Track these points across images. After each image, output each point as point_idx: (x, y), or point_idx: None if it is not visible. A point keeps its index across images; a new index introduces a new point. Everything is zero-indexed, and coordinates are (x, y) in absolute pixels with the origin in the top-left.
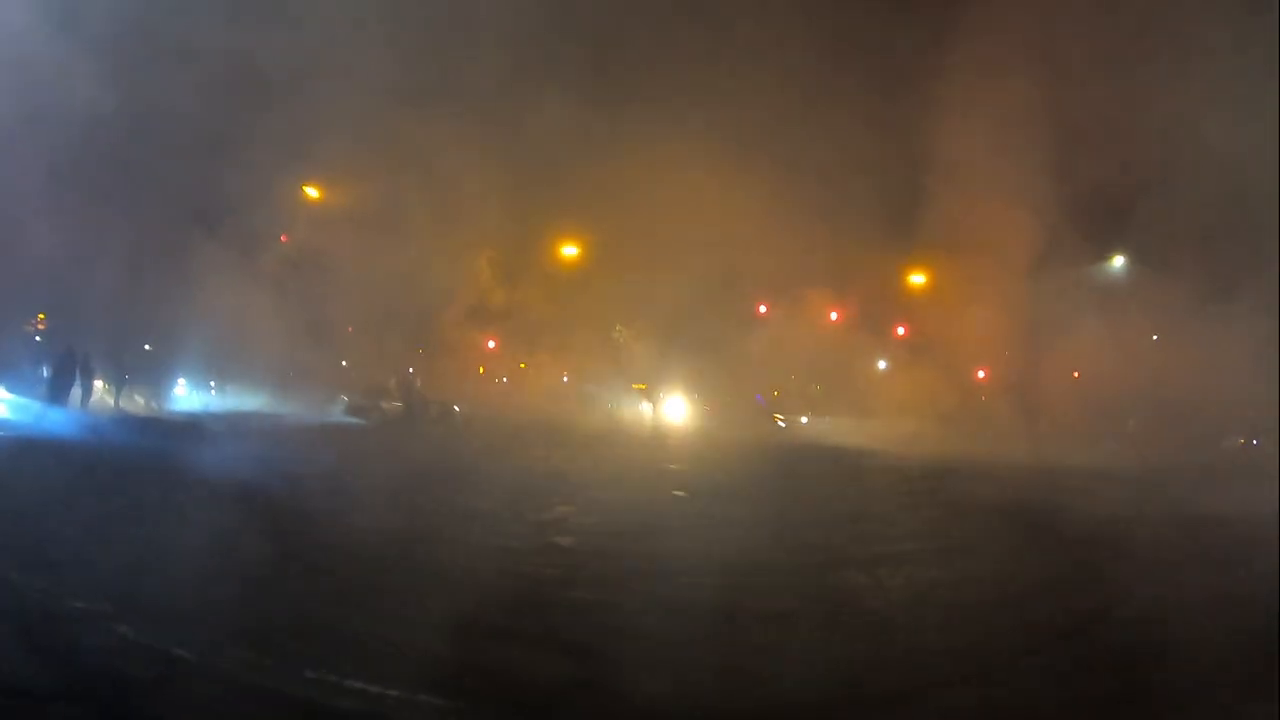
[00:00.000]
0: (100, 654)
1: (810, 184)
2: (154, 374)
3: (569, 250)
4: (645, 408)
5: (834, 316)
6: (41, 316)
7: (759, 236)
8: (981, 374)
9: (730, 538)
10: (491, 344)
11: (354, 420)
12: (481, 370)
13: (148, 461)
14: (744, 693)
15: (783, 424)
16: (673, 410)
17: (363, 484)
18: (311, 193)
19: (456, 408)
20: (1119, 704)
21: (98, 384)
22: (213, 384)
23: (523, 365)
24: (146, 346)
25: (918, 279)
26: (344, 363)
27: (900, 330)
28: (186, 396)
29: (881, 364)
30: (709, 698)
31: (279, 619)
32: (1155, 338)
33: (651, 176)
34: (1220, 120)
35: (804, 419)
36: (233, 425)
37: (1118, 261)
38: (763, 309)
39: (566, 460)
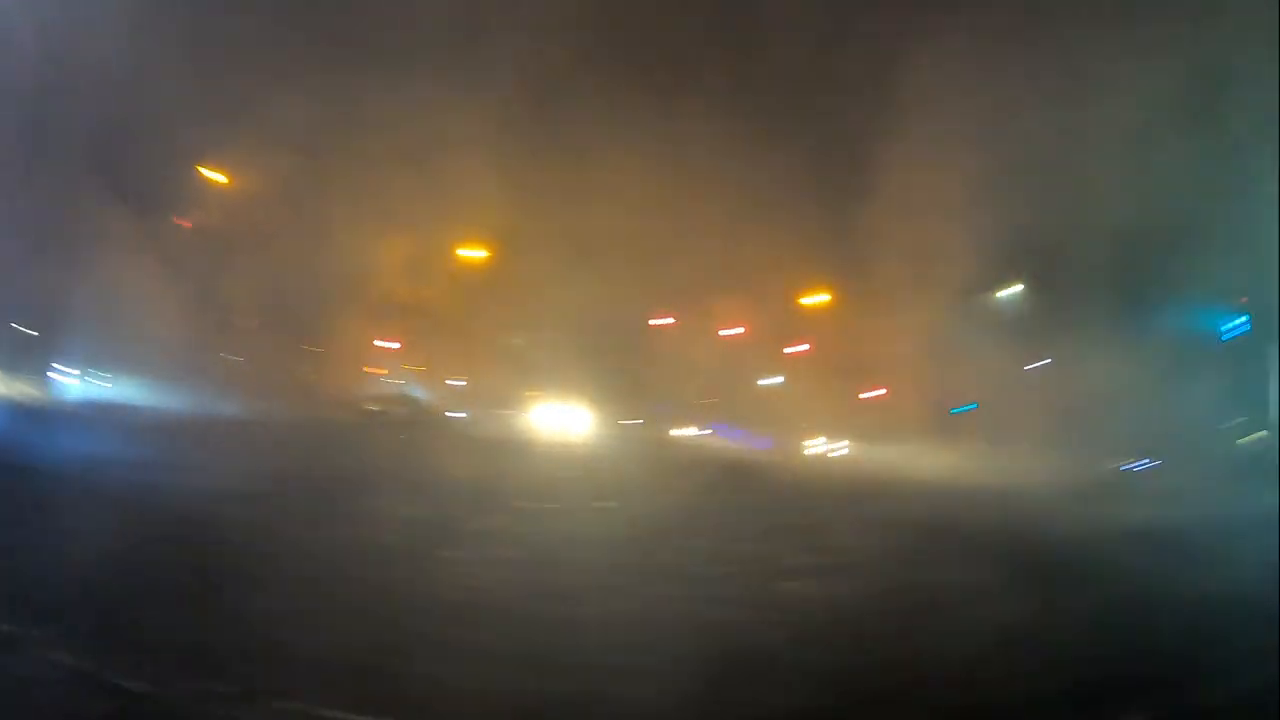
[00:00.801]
0: (41, 687)
1: (717, 199)
2: (32, 357)
3: (473, 253)
4: (543, 416)
5: (735, 330)
6: None
7: (664, 249)
8: (881, 392)
9: (668, 548)
10: (392, 345)
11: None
12: (384, 373)
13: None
14: (731, 704)
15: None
16: (572, 420)
17: (290, 492)
18: (213, 175)
19: (459, 415)
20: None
21: None
22: (93, 372)
23: (420, 369)
24: (17, 326)
25: (821, 298)
26: (239, 358)
27: (800, 347)
28: (68, 384)
29: (779, 379)
30: (699, 711)
31: (230, 643)
32: (1049, 361)
33: (558, 185)
34: (1120, 152)
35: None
36: (138, 420)
37: (1017, 288)
38: (665, 321)
39: (482, 470)
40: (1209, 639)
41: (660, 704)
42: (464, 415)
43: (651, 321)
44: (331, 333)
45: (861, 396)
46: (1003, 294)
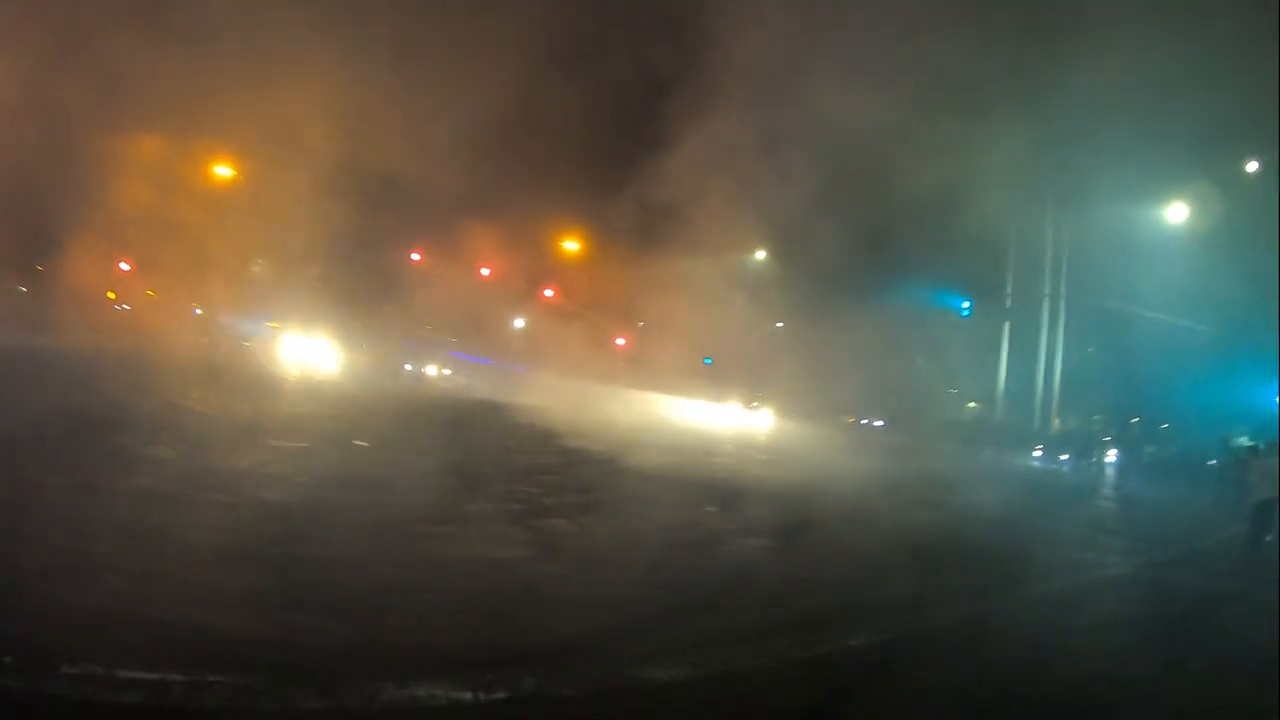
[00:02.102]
0: None
1: (475, 138)
2: None
3: (220, 170)
4: (291, 348)
5: (485, 272)
6: None
7: (419, 185)
8: (621, 341)
9: (430, 488)
10: (125, 266)
11: None
12: (112, 296)
13: None
14: (508, 634)
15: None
16: (316, 353)
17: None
18: None
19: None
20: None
21: None
22: None
23: (151, 293)
24: None
25: (570, 245)
26: None
27: (548, 292)
28: None
29: (523, 322)
30: (478, 644)
31: None
32: (780, 325)
33: (309, 109)
34: (852, 126)
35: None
36: None
37: (759, 254)
38: (416, 257)
39: (229, 405)
40: (930, 571)
41: (442, 639)
42: (208, 343)
43: (398, 257)
44: (57, 252)
45: (599, 345)
46: (747, 259)
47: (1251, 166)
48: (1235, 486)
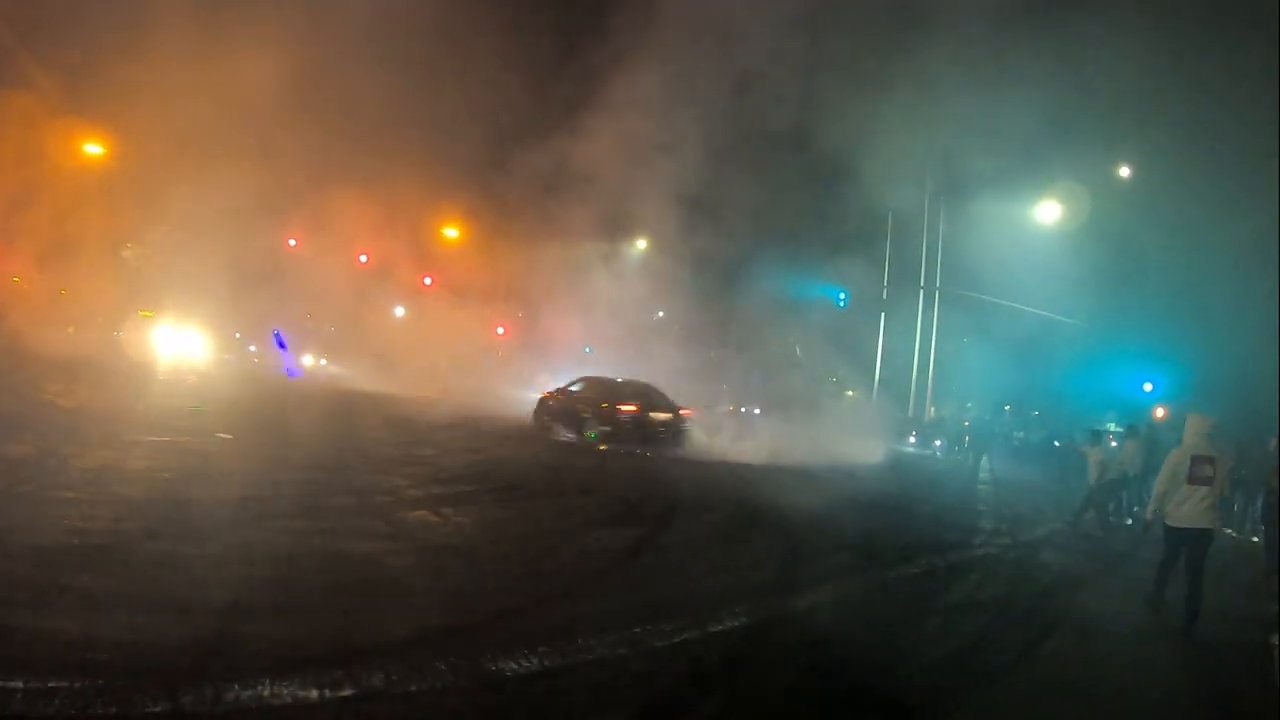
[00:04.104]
0: None
1: (354, 121)
2: None
3: (90, 149)
4: (158, 337)
5: (363, 259)
6: None
7: (294, 169)
8: (501, 330)
9: (293, 480)
10: None
11: None
12: None
13: None
14: (360, 630)
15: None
16: (187, 343)
17: None
18: None
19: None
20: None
21: None
22: None
23: (17, 279)
24: None
25: (451, 232)
26: None
27: (428, 280)
28: None
29: (402, 311)
30: (329, 641)
31: None
32: (661, 314)
33: (184, 90)
34: (731, 119)
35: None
36: None
37: (640, 243)
38: (292, 243)
39: (91, 398)
40: (796, 554)
41: (292, 637)
42: (74, 334)
43: (275, 244)
44: None
45: (480, 333)
46: (629, 247)
47: (1122, 169)
48: (1076, 472)
